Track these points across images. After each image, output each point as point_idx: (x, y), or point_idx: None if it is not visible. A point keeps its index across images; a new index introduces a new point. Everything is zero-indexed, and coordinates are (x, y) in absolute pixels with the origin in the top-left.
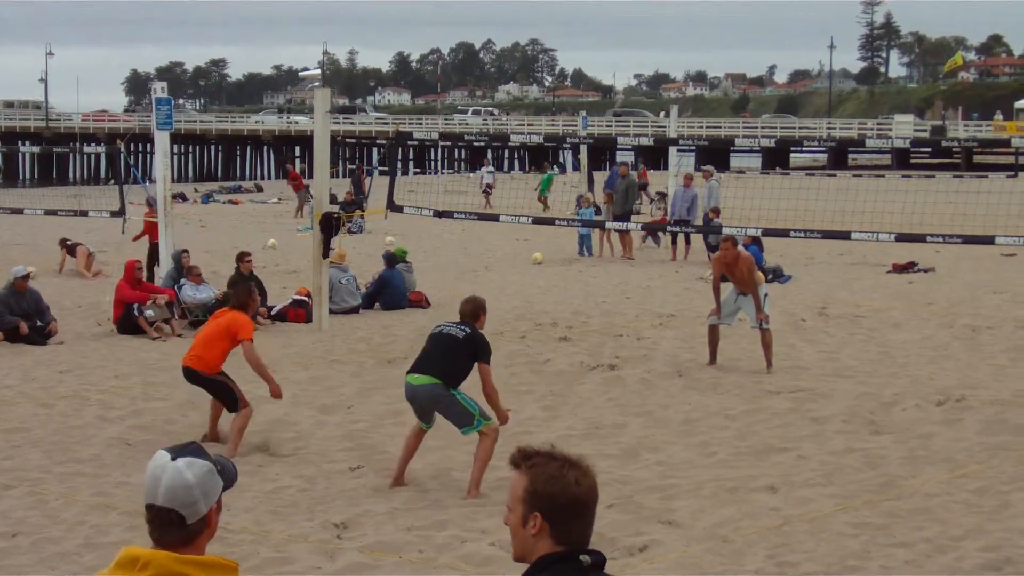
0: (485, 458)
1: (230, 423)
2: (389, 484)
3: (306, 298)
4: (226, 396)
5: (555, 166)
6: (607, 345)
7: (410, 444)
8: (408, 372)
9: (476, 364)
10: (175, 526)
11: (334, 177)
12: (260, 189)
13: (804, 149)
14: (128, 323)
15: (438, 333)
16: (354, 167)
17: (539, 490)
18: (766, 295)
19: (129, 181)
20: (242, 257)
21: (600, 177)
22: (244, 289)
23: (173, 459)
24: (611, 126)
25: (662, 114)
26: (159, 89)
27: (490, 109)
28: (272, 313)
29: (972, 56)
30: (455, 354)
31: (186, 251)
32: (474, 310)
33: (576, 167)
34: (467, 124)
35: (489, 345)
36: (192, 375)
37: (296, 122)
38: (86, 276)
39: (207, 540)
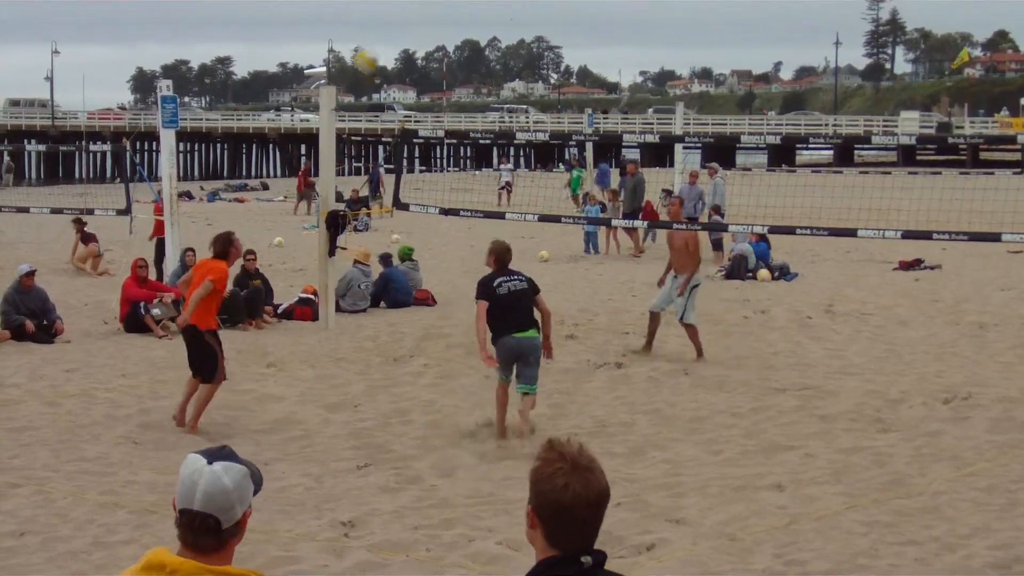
0: (530, 411)
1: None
2: (496, 439)
3: (312, 296)
4: (209, 364)
5: (571, 164)
6: (613, 343)
7: (504, 399)
8: (507, 333)
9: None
10: (211, 531)
11: (340, 175)
12: (266, 187)
13: (810, 146)
14: (135, 321)
15: (515, 291)
16: (374, 164)
17: (533, 485)
18: (696, 286)
19: (135, 179)
20: (246, 255)
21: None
22: (222, 236)
23: (209, 463)
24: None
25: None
26: (164, 87)
27: (525, 107)
28: (278, 311)
29: (978, 52)
30: (530, 303)
31: (191, 249)
32: (507, 254)
33: (583, 165)
34: (505, 121)
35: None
36: (189, 330)
37: (307, 120)
38: (83, 269)
39: (237, 544)
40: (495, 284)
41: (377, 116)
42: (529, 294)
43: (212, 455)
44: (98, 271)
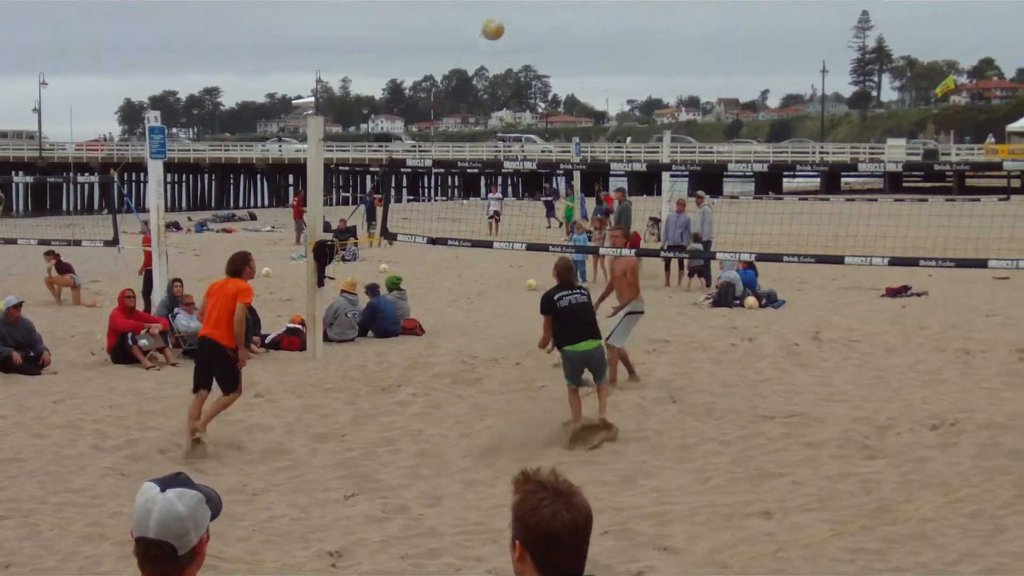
0: (607, 395)
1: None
2: (573, 424)
3: (300, 326)
4: (230, 377)
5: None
6: None
7: (577, 402)
8: (573, 344)
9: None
10: (167, 559)
11: (328, 205)
12: (254, 217)
13: (797, 174)
14: (122, 352)
15: (576, 304)
16: (367, 195)
17: (519, 518)
18: (634, 313)
19: (123, 210)
20: None
21: (592, 203)
22: (239, 256)
23: (163, 490)
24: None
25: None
26: (152, 118)
27: (531, 136)
28: (266, 341)
29: (964, 79)
30: (592, 315)
31: (178, 280)
32: (568, 271)
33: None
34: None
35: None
36: (212, 347)
37: (301, 149)
38: (54, 292)
39: (196, 570)
40: (556, 298)
41: (384, 146)
42: (589, 307)
43: (166, 483)
44: (80, 302)
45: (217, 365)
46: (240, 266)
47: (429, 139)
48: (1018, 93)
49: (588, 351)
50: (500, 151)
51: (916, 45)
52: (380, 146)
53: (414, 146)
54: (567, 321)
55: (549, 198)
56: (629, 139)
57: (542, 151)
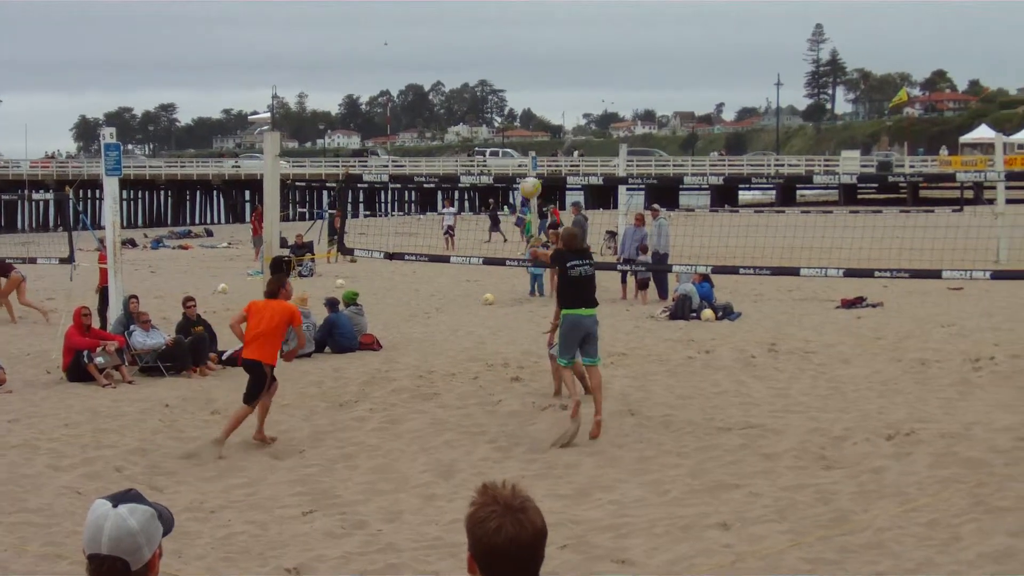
0: (601, 384)
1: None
2: (570, 413)
3: None
4: (261, 386)
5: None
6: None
7: (572, 377)
8: (576, 308)
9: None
10: (120, 575)
11: (284, 220)
12: (210, 234)
13: (753, 187)
14: (78, 370)
15: (583, 275)
16: (323, 211)
17: (469, 531)
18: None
19: (78, 228)
20: (184, 302)
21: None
22: (275, 279)
23: (114, 506)
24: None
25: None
26: (108, 135)
27: (508, 150)
28: (223, 358)
29: (916, 92)
30: (594, 286)
31: (135, 297)
32: (575, 239)
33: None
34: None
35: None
36: (257, 368)
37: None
38: (8, 305)
39: None
40: (568, 264)
41: (362, 162)
42: (592, 279)
43: (117, 498)
44: (24, 301)
45: (256, 379)
46: (275, 287)
47: (408, 154)
48: (970, 105)
49: (588, 316)
50: (476, 165)
51: (870, 58)
52: (358, 161)
53: (392, 161)
54: (576, 288)
55: (495, 212)
56: (577, 153)
57: (519, 164)
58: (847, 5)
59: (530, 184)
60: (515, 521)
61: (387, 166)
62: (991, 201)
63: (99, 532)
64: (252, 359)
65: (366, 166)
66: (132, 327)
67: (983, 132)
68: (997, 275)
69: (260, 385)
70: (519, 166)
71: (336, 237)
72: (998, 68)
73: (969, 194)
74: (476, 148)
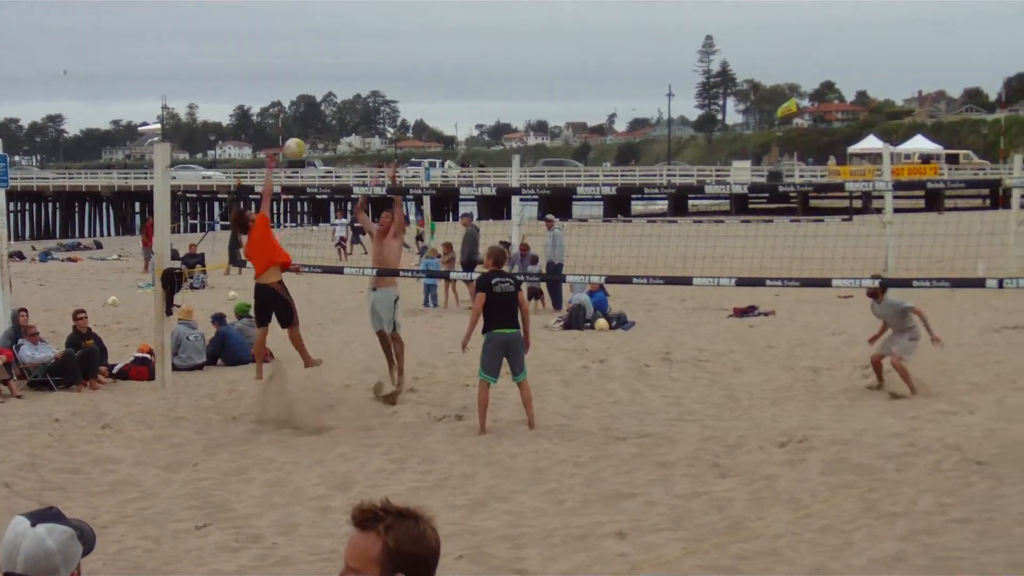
0: (532, 399)
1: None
2: (477, 434)
3: (148, 355)
4: (288, 311)
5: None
6: (454, 395)
7: (485, 400)
8: (495, 329)
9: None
10: None
11: (175, 232)
12: (100, 246)
13: (645, 196)
14: None
15: (501, 293)
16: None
17: (404, 551)
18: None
19: None
20: (75, 315)
21: (443, 228)
22: (235, 214)
23: (33, 525)
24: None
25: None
26: None
27: (443, 161)
28: (113, 371)
29: (806, 102)
30: (515, 304)
31: (24, 310)
32: (501, 257)
33: (420, 218)
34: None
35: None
36: (271, 294)
37: (210, 176)
38: None
39: None
40: (492, 282)
41: (297, 172)
42: (513, 298)
43: (36, 517)
44: None
45: (275, 305)
46: (238, 219)
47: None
48: (859, 116)
49: (508, 334)
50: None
51: (760, 69)
52: (294, 172)
53: (328, 172)
54: (496, 306)
55: (347, 222)
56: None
57: (459, 174)
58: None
59: (293, 144)
60: (432, 523)
61: (326, 176)
62: (879, 211)
63: (15, 551)
64: (267, 285)
65: (302, 177)
66: (20, 341)
67: (871, 142)
68: (886, 283)
69: (280, 304)
70: (458, 175)
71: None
72: (885, 79)
73: (858, 204)
74: (413, 160)
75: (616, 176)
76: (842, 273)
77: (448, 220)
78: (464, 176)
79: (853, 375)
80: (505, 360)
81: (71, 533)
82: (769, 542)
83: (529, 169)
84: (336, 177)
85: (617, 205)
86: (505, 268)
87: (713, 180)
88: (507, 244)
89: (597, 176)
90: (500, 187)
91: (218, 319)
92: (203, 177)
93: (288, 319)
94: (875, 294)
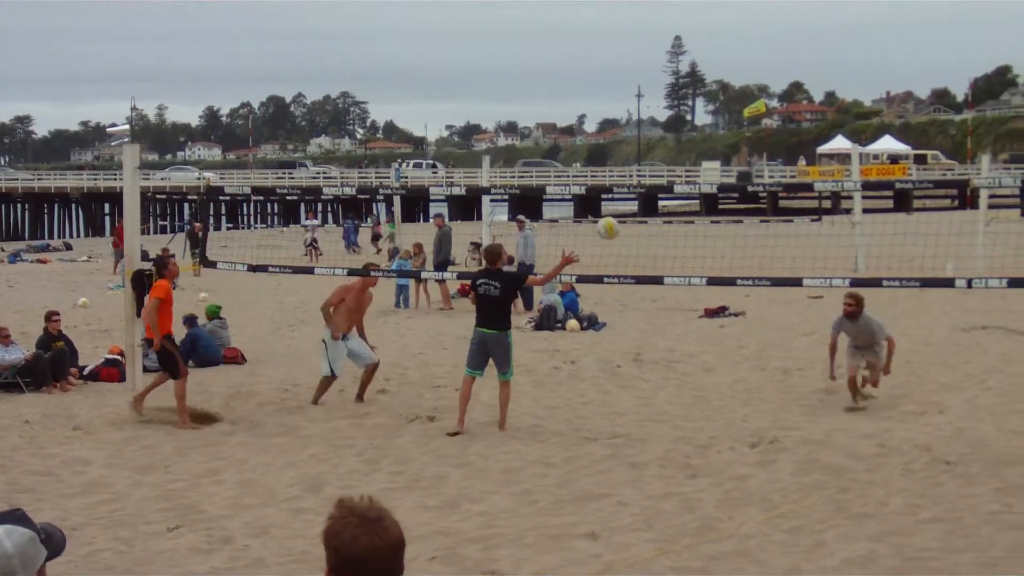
0: (508, 401)
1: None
2: (452, 430)
3: (119, 357)
4: (170, 365)
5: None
6: (425, 396)
7: (467, 394)
8: (478, 326)
9: (519, 290)
10: None
11: (145, 234)
12: (69, 247)
13: (615, 197)
14: None
15: (486, 295)
16: (187, 223)
17: (326, 545)
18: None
19: None
20: (49, 317)
21: (413, 228)
22: (159, 259)
23: None
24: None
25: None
26: None
27: (432, 161)
28: (84, 373)
29: (775, 103)
30: (502, 306)
31: None
32: (494, 256)
33: (391, 218)
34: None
35: (518, 276)
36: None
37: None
38: None
39: None
40: (478, 282)
41: (289, 173)
42: (498, 301)
43: (1, 518)
44: None
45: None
46: (160, 269)
47: (248, 165)
48: (827, 116)
49: (487, 334)
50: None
51: (728, 70)
52: (285, 173)
53: (319, 173)
54: (480, 306)
55: (317, 223)
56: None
57: (445, 175)
58: (705, 18)
59: (602, 226)
60: (372, 531)
61: (316, 177)
62: (848, 211)
63: None
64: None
65: (293, 178)
66: None
67: (840, 143)
68: (856, 283)
69: (165, 357)
70: (444, 176)
71: (199, 250)
72: (853, 80)
73: (827, 204)
74: (400, 160)
75: (586, 176)
76: (812, 273)
77: (419, 221)
78: (449, 175)
79: (824, 375)
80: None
81: (31, 536)
82: (740, 542)
83: (513, 170)
84: (327, 177)
85: (587, 206)
86: (502, 266)
87: (683, 180)
88: (477, 245)
89: (567, 176)
90: (470, 187)
91: (189, 321)
92: (197, 178)
93: (175, 372)
94: (853, 313)
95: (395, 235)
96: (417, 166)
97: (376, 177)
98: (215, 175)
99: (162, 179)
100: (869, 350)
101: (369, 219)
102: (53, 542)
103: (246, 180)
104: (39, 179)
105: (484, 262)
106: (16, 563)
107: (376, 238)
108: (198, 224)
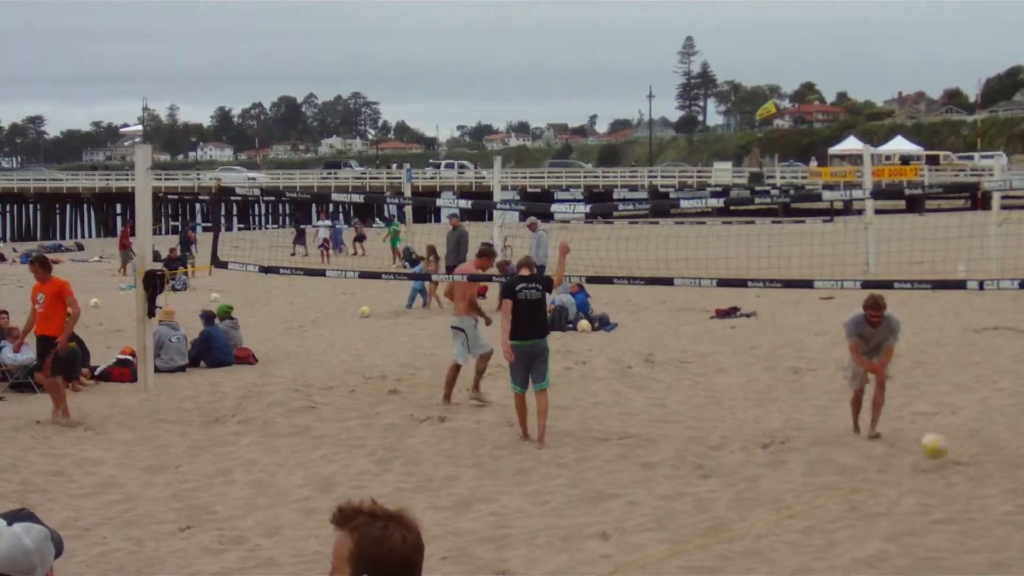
0: (547, 411)
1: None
2: (520, 441)
3: (131, 357)
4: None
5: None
6: (436, 397)
7: (523, 407)
8: (518, 339)
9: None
10: None
11: (157, 234)
12: (81, 248)
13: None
14: None
15: (524, 300)
16: (180, 224)
17: (366, 552)
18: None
19: None
20: None
21: (426, 229)
22: (39, 257)
23: (9, 524)
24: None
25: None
26: None
27: (463, 162)
28: (96, 373)
29: (786, 104)
30: (543, 312)
31: (4, 312)
32: (529, 263)
33: (402, 220)
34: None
35: (547, 276)
36: (46, 342)
37: (255, 176)
38: None
39: None
40: (517, 288)
41: (333, 173)
42: (538, 305)
43: (12, 517)
44: None
45: (49, 353)
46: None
47: (377, 165)
48: (839, 117)
49: (531, 345)
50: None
51: (740, 70)
52: (330, 173)
53: (363, 173)
54: (520, 314)
55: (302, 226)
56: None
57: (475, 175)
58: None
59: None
60: (409, 528)
61: (361, 177)
62: (860, 212)
63: None
64: (41, 334)
65: (338, 178)
66: (1, 342)
67: (851, 143)
68: (867, 284)
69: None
70: (475, 176)
71: (189, 253)
72: (865, 80)
73: (839, 205)
74: (431, 161)
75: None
76: (823, 274)
77: (430, 222)
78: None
79: (836, 376)
80: None
81: (47, 533)
82: (752, 543)
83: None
84: (372, 178)
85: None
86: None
87: (695, 183)
88: (489, 246)
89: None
90: (478, 198)
91: (206, 318)
92: (248, 179)
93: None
94: (874, 319)
95: (400, 235)
96: (449, 167)
97: (388, 177)
98: (265, 175)
99: (211, 179)
100: (878, 351)
101: (379, 220)
102: (55, 542)
103: (304, 180)
104: (51, 180)
105: (519, 270)
106: (35, 559)
107: (360, 239)
108: (191, 232)
